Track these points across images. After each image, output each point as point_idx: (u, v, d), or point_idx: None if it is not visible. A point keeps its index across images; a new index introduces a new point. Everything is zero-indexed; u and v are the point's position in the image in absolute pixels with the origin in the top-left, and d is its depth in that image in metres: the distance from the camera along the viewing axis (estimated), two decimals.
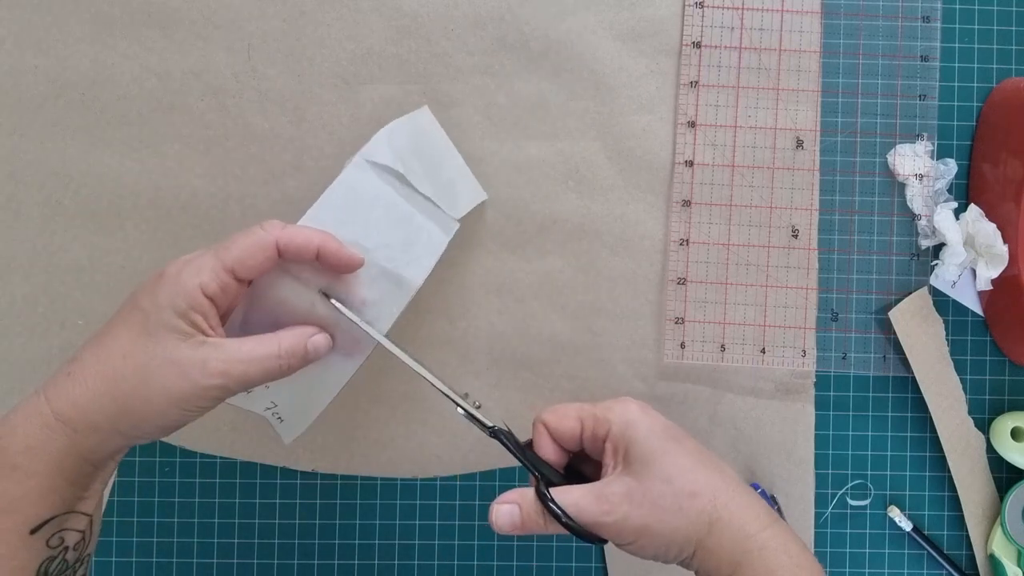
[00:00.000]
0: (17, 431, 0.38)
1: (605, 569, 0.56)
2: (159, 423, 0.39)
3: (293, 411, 0.48)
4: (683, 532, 0.40)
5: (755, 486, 0.56)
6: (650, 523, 0.40)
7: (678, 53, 0.56)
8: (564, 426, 0.44)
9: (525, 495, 0.42)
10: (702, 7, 0.56)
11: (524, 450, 0.44)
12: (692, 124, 0.56)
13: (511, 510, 0.42)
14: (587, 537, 0.41)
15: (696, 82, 0.56)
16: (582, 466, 0.46)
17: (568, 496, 0.41)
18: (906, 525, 0.56)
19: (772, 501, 0.56)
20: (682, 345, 0.56)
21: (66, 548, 0.39)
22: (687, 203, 0.56)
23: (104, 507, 0.55)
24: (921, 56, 0.57)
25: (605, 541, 0.42)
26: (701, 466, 0.42)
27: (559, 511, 0.41)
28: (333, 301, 0.45)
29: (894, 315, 0.56)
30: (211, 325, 0.40)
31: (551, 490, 0.42)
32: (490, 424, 0.44)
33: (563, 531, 0.41)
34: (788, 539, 0.41)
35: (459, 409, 0.45)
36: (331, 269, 0.44)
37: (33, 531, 0.38)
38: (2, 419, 0.39)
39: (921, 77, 0.57)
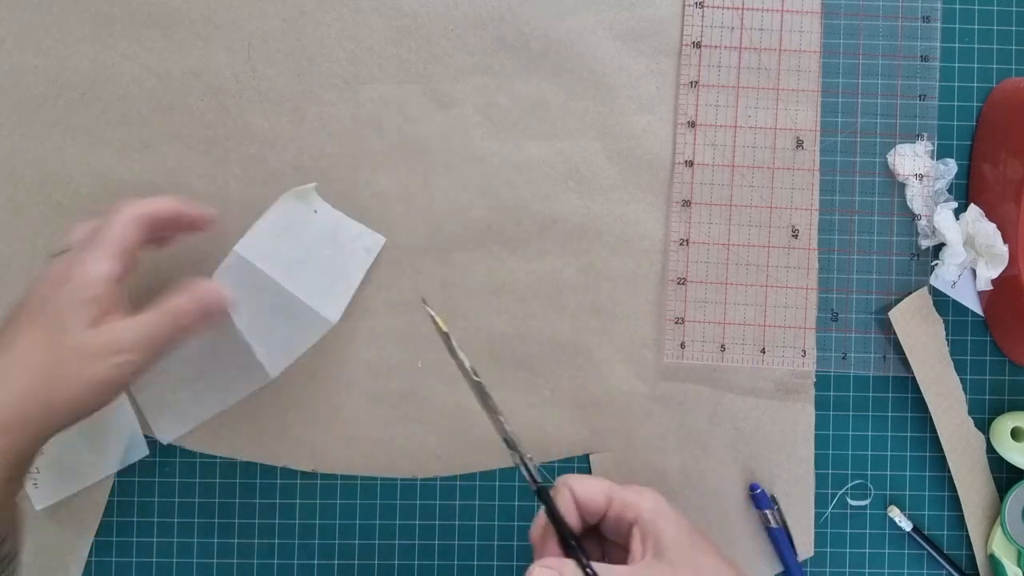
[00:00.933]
0: None
1: None
2: (77, 410, 0.42)
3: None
4: None
5: (754, 486, 0.56)
6: None
7: (678, 53, 0.56)
8: (591, 499, 0.44)
9: (567, 566, 0.42)
10: (702, 7, 0.56)
11: (562, 518, 0.44)
12: (692, 124, 0.56)
13: None
14: None
15: (696, 82, 0.56)
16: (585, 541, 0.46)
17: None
18: (906, 525, 0.56)
19: (772, 501, 0.56)
20: (682, 345, 0.56)
21: None
22: (687, 203, 0.56)
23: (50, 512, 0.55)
24: (921, 56, 0.57)
25: None
26: (723, 563, 0.43)
27: None
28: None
29: (894, 315, 0.56)
30: (115, 306, 0.43)
31: (596, 566, 0.41)
32: (539, 480, 0.45)
33: None
34: None
35: (512, 455, 0.45)
36: (188, 228, 0.48)
37: None
38: None
39: (921, 77, 0.57)
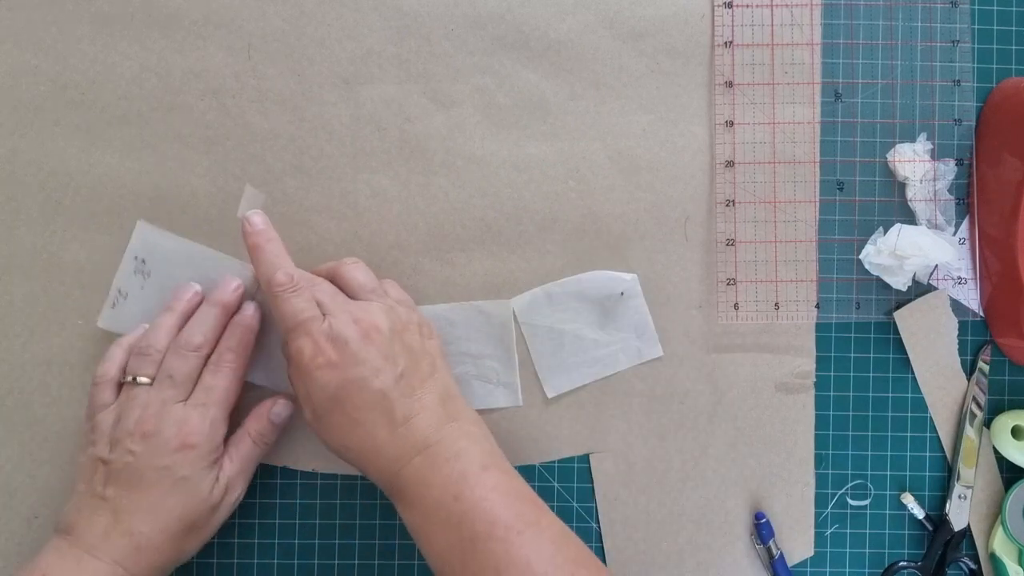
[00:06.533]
0: None
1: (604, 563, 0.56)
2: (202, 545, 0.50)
3: None
4: None
5: (760, 515, 0.55)
6: None
7: (679, 53, 0.56)
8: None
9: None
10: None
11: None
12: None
13: None
14: None
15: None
16: None
17: None
18: (918, 512, 0.56)
19: (768, 526, 0.55)
20: (736, 306, 0.56)
21: None
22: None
23: None
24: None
25: None
26: None
27: None
28: None
29: (900, 315, 0.56)
30: (219, 459, 0.50)
31: None
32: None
33: None
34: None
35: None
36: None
37: None
38: None
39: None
